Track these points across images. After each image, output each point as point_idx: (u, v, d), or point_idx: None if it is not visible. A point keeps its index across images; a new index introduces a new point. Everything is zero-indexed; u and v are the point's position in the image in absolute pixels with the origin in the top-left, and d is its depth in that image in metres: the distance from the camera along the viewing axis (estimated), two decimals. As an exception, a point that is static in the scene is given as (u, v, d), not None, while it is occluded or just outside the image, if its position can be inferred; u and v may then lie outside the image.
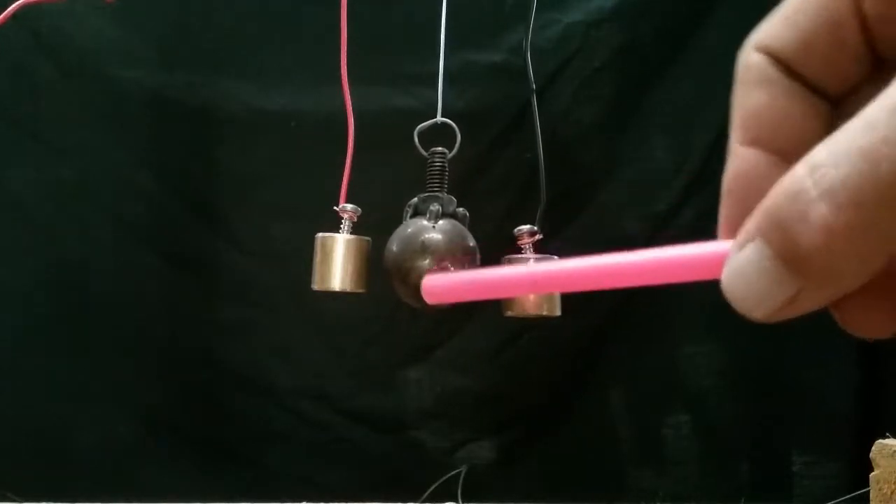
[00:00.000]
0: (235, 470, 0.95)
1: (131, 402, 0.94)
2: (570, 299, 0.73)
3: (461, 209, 0.71)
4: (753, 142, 0.20)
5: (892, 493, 0.57)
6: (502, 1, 0.95)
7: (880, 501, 0.58)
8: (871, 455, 0.59)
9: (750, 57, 0.20)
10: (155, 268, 0.94)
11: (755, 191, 0.20)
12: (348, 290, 0.69)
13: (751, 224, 0.17)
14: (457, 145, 0.72)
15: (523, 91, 0.85)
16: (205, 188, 0.96)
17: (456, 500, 0.90)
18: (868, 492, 0.60)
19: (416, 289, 0.66)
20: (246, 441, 0.96)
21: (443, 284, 0.23)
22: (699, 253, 0.19)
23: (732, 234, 0.20)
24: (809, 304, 0.17)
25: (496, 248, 0.72)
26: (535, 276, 0.21)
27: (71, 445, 0.93)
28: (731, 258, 0.18)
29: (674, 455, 0.96)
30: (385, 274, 0.68)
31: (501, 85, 0.93)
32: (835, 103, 0.20)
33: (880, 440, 0.60)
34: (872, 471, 0.59)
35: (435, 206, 0.68)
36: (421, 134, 0.72)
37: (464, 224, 0.70)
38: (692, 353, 0.97)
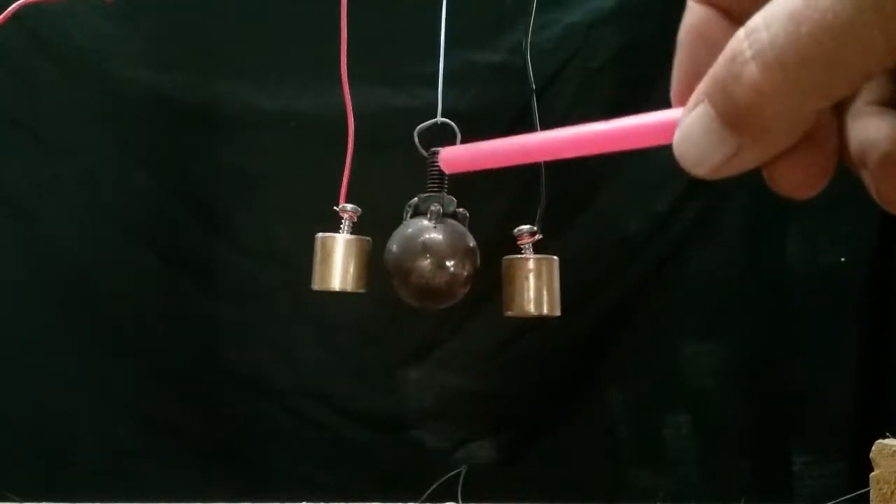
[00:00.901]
0: (235, 470, 0.95)
1: (131, 402, 0.94)
2: (570, 299, 0.72)
3: (461, 209, 0.71)
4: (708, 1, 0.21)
5: (892, 493, 0.57)
6: (502, 1, 0.95)
7: (880, 501, 0.58)
8: (871, 455, 0.59)
9: None
10: (155, 268, 0.94)
11: (703, 44, 0.21)
12: (348, 290, 0.69)
13: (700, 87, 0.18)
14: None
15: (523, 91, 0.86)
16: (205, 188, 0.96)
17: (456, 500, 0.90)
18: (868, 492, 0.60)
19: (417, 289, 0.67)
20: (246, 441, 0.96)
21: (460, 153, 0.26)
22: (660, 119, 0.21)
23: (685, 90, 0.21)
24: (748, 161, 0.18)
25: (496, 249, 0.72)
26: (534, 143, 0.25)
27: (71, 445, 0.93)
28: (682, 120, 0.19)
29: (674, 455, 0.96)
30: (385, 274, 0.68)
31: (501, 85, 0.93)
32: None
33: (880, 440, 0.60)
34: (872, 471, 0.59)
35: (435, 207, 0.68)
36: (421, 134, 0.72)
37: (464, 224, 0.70)
38: (692, 353, 0.97)
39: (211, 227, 0.96)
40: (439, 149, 0.71)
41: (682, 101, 0.21)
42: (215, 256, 0.96)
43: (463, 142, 0.72)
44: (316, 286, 0.69)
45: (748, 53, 0.17)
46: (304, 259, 0.70)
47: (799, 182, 0.19)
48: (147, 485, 0.91)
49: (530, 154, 0.25)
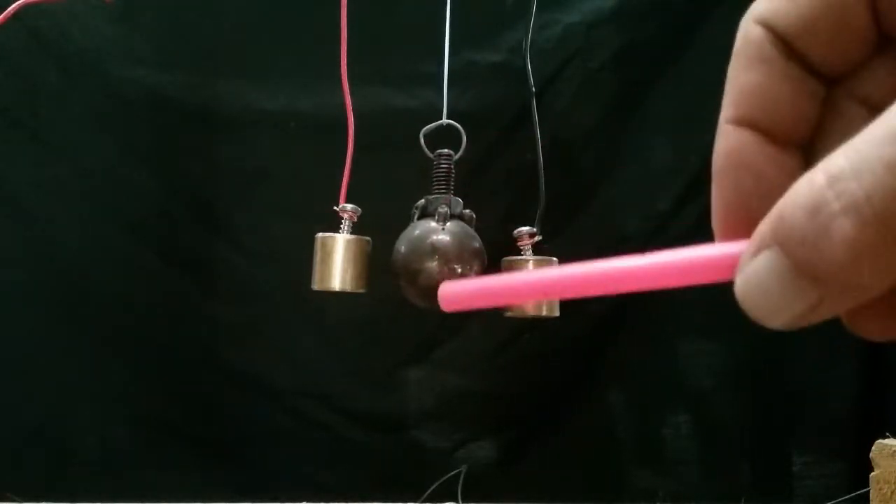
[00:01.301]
0: (235, 470, 0.95)
1: (131, 401, 0.94)
2: (569, 300, 0.73)
3: (468, 211, 0.71)
4: (743, 121, 0.20)
5: (892, 493, 0.57)
6: (502, 1, 0.95)
7: (880, 501, 0.58)
8: (871, 455, 0.59)
9: (750, 30, 0.19)
10: (155, 268, 0.94)
11: (746, 171, 0.19)
12: (348, 290, 0.69)
13: (766, 229, 0.17)
14: (462, 147, 0.72)
15: (523, 91, 0.85)
16: (205, 188, 0.96)
17: (456, 500, 0.90)
18: (868, 492, 0.60)
19: (425, 290, 0.67)
20: (246, 441, 0.96)
21: (461, 291, 0.23)
22: (710, 255, 0.19)
23: (728, 219, 0.20)
24: (828, 313, 0.17)
25: (496, 249, 0.72)
26: (550, 281, 0.21)
27: (71, 445, 0.93)
28: (745, 265, 0.17)
29: (674, 455, 0.96)
30: (393, 275, 0.68)
31: (502, 85, 0.93)
32: (832, 82, 0.20)
33: (880, 440, 0.60)
34: (872, 471, 0.59)
35: (444, 208, 0.68)
36: (426, 136, 0.72)
37: (470, 225, 0.70)
38: (692, 353, 0.97)
39: (211, 227, 0.96)
40: (445, 150, 0.71)
41: (728, 234, 0.20)
42: (215, 256, 0.96)
43: (467, 143, 0.72)
44: (316, 286, 0.69)
45: (836, 206, 0.15)
46: (304, 259, 0.70)
47: (884, 327, 0.18)
48: (147, 485, 0.91)
49: (548, 293, 0.23)
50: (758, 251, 0.17)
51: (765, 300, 0.17)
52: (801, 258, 0.16)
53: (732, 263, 0.18)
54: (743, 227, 0.18)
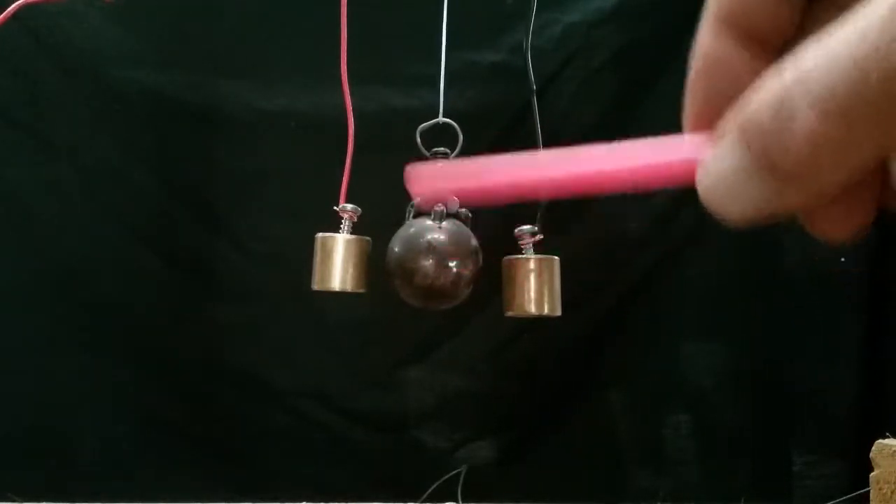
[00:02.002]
0: (235, 470, 0.95)
1: (131, 401, 0.94)
2: (569, 299, 0.73)
3: (463, 210, 0.71)
4: (724, 24, 0.20)
5: (892, 493, 0.57)
6: (502, 1, 0.95)
7: (880, 501, 0.58)
8: (871, 455, 0.59)
9: None
10: (155, 268, 0.94)
11: (721, 72, 0.19)
12: (348, 289, 0.69)
13: (731, 125, 0.17)
14: (459, 146, 0.72)
15: (523, 91, 0.85)
16: (205, 188, 0.96)
17: (456, 500, 0.90)
18: (868, 492, 0.60)
19: (421, 289, 0.67)
20: (246, 441, 0.96)
21: (431, 171, 0.22)
22: (672, 154, 0.19)
23: (700, 120, 0.20)
24: (785, 206, 0.17)
25: (497, 249, 0.72)
26: (521, 168, 0.21)
27: (71, 445, 0.93)
28: (709, 160, 0.17)
29: (674, 455, 0.96)
30: (388, 274, 0.68)
31: (502, 85, 0.93)
32: None
33: (880, 440, 0.60)
34: (872, 471, 0.59)
35: (440, 207, 0.68)
36: (423, 134, 0.72)
37: (466, 225, 0.70)
38: (692, 353, 0.97)
39: (211, 227, 0.96)
40: (441, 149, 0.72)
41: (698, 131, 0.20)
42: (215, 256, 0.96)
43: (463, 142, 0.72)
44: (316, 286, 0.69)
45: (801, 100, 0.15)
46: (304, 259, 0.70)
47: (840, 227, 0.18)
48: (147, 485, 0.91)
49: (517, 184, 0.21)
50: (722, 143, 0.17)
51: (726, 193, 0.17)
52: (763, 150, 0.16)
53: (698, 159, 0.18)
54: (713, 129, 0.18)
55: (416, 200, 0.67)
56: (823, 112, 0.15)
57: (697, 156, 0.18)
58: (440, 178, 0.22)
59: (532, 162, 0.21)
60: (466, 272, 0.67)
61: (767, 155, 0.16)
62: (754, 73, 0.19)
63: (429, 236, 0.67)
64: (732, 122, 0.17)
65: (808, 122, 0.15)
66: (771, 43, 0.19)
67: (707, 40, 0.20)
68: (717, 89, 0.19)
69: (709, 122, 0.19)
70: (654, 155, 0.19)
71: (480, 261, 0.69)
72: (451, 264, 0.66)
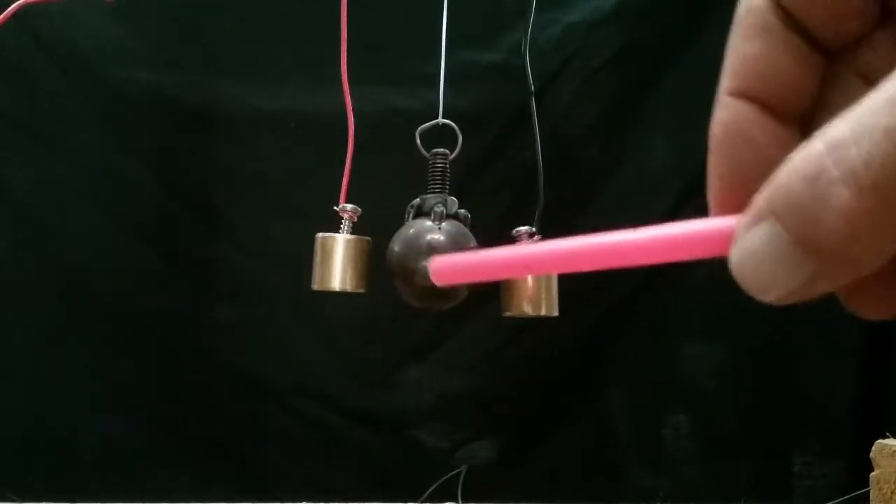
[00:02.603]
0: (235, 470, 0.95)
1: (131, 401, 0.94)
2: (569, 298, 0.73)
3: (462, 210, 0.71)
4: (742, 92, 0.19)
5: (892, 493, 0.57)
6: (502, 1, 0.95)
7: (880, 501, 0.58)
8: (871, 455, 0.59)
9: (753, 0, 0.19)
10: (155, 267, 0.94)
11: (743, 143, 0.19)
12: (348, 289, 0.69)
13: (762, 202, 0.16)
14: (458, 146, 0.72)
15: (523, 91, 0.85)
16: (205, 188, 0.96)
17: (456, 500, 0.90)
18: (868, 492, 0.60)
19: (420, 289, 0.67)
20: (246, 441, 0.96)
21: (453, 263, 0.22)
22: (705, 229, 0.18)
23: (724, 193, 0.19)
24: (824, 287, 0.16)
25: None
26: (543, 255, 0.21)
27: (71, 445, 0.93)
28: (740, 237, 0.17)
29: (674, 455, 0.96)
30: (388, 274, 0.68)
31: (501, 85, 0.93)
32: (833, 56, 0.19)
33: (880, 440, 0.60)
34: (872, 471, 0.59)
35: (439, 208, 0.68)
36: (422, 135, 0.72)
37: (465, 225, 0.70)
38: (692, 353, 0.97)
39: (211, 227, 0.96)
40: (441, 150, 0.72)
41: (724, 208, 0.19)
42: (215, 256, 0.96)
43: (462, 142, 0.72)
44: (316, 286, 0.69)
45: (835, 174, 0.14)
46: (304, 259, 0.70)
47: (881, 305, 0.17)
48: (147, 485, 0.91)
49: (541, 267, 0.21)
50: (754, 222, 0.16)
51: (760, 273, 0.16)
52: (798, 228, 0.15)
53: (728, 237, 0.17)
54: (739, 201, 0.18)
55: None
56: (858, 187, 0.14)
57: (728, 231, 0.17)
58: (464, 271, 0.23)
59: (556, 252, 0.21)
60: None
61: (802, 233, 0.15)
62: (777, 141, 0.19)
63: (428, 237, 0.67)
64: (763, 197, 0.16)
65: (843, 198, 0.14)
66: (792, 110, 0.19)
67: (726, 109, 0.19)
68: (740, 159, 0.19)
69: (734, 193, 0.19)
70: (682, 230, 0.18)
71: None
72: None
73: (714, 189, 0.20)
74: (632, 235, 0.19)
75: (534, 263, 0.21)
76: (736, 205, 0.18)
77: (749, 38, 0.19)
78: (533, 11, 0.83)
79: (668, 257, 0.18)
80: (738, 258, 0.17)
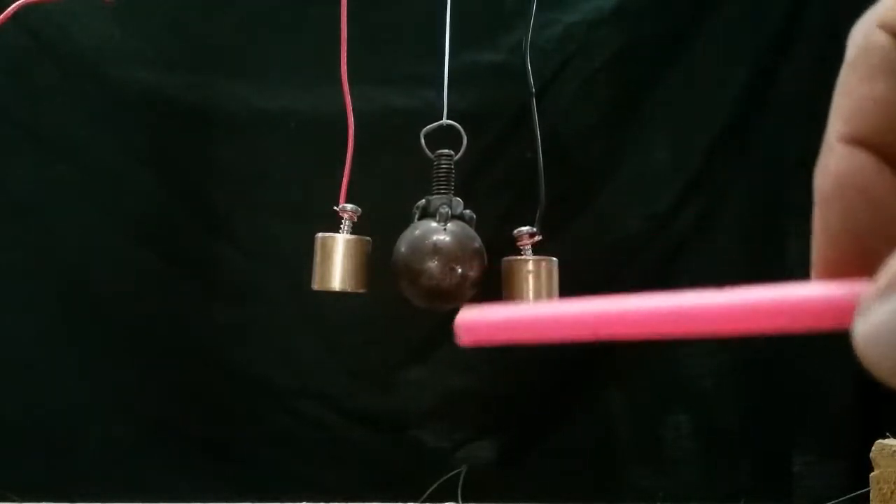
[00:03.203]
0: (235, 470, 0.95)
1: (131, 401, 0.94)
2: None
3: (468, 211, 0.71)
4: (860, 140, 0.17)
5: (892, 493, 0.57)
6: (502, 1, 0.95)
7: (880, 501, 0.58)
8: (871, 455, 0.59)
9: (873, 36, 0.17)
10: (155, 268, 0.94)
11: (860, 198, 0.17)
12: (348, 290, 0.69)
13: (893, 268, 0.14)
14: (463, 147, 0.72)
15: (523, 91, 0.85)
16: (205, 188, 0.96)
17: (456, 500, 0.90)
18: (868, 492, 0.60)
19: (427, 290, 0.67)
20: (246, 441, 0.96)
21: (483, 321, 0.18)
22: (817, 297, 0.15)
23: (835, 253, 0.17)
24: None
25: (496, 249, 0.72)
26: (599, 318, 0.17)
27: (71, 445, 0.93)
28: (869, 309, 0.14)
29: (674, 455, 0.96)
30: (394, 275, 0.68)
31: (502, 85, 0.93)
32: None
33: (880, 440, 0.60)
34: (872, 471, 0.59)
35: (445, 209, 0.68)
36: (427, 136, 0.72)
37: (471, 226, 0.70)
38: (692, 353, 0.97)
39: (211, 227, 0.96)
40: (446, 151, 0.72)
41: (833, 270, 0.17)
42: (215, 256, 0.96)
43: (468, 143, 0.72)
44: (316, 286, 0.69)
45: None
46: (304, 259, 0.70)
47: None
48: (147, 485, 0.91)
49: (635, 331, 0.17)
50: (886, 292, 0.14)
51: (889, 347, 0.14)
52: None
53: (848, 307, 0.15)
54: (852, 263, 0.16)
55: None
56: None
57: (849, 300, 0.15)
58: (493, 330, 0.18)
59: (630, 313, 0.17)
60: (471, 273, 0.67)
61: None
62: None
63: (434, 238, 0.67)
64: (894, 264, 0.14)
65: None
66: None
67: (840, 158, 0.17)
68: (856, 215, 0.17)
69: (846, 253, 0.17)
70: (788, 296, 0.15)
71: (485, 262, 0.69)
72: (456, 266, 0.66)
73: (822, 249, 0.17)
74: (723, 299, 0.16)
75: (601, 325, 0.17)
76: (847, 268, 0.16)
77: (868, 80, 0.17)
78: (533, 11, 0.83)
79: (769, 327, 0.15)
80: (867, 334, 0.14)
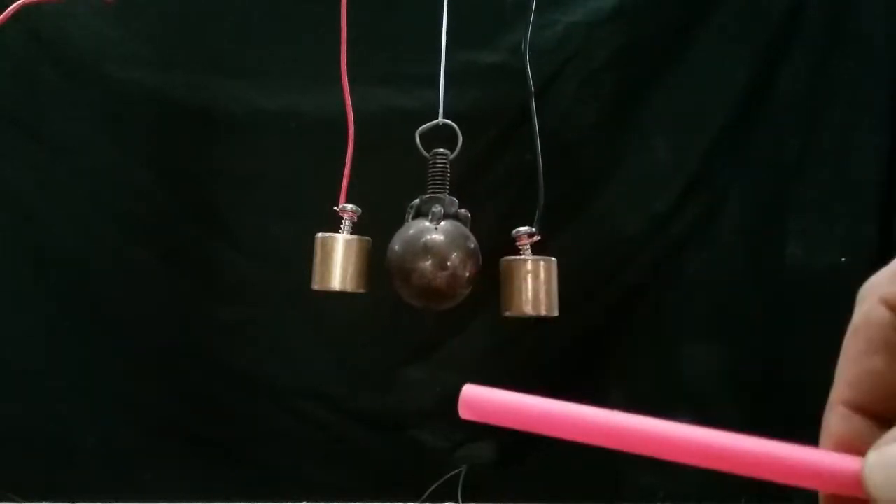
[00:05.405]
0: (235, 470, 0.95)
1: (131, 401, 0.94)
2: (569, 300, 0.73)
3: (462, 210, 0.71)
4: (861, 406, 0.19)
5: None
6: (502, 1, 0.95)
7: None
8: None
9: (873, 311, 0.18)
10: (155, 268, 0.94)
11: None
12: (348, 290, 0.69)
13: None
14: (458, 146, 0.72)
15: (523, 91, 0.85)
16: (205, 188, 0.96)
17: (456, 500, 0.90)
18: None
19: (419, 289, 0.67)
20: (246, 441, 0.96)
21: (485, 401, 0.19)
22: (822, 461, 0.16)
23: (859, 396, 0.18)
24: None
25: (495, 249, 0.72)
26: (607, 428, 0.18)
27: (71, 445, 0.93)
28: (888, 465, 0.16)
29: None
30: (387, 274, 0.68)
31: (501, 85, 0.93)
32: None
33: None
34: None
35: (437, 208, 0.68)
36: (422, 135, 0.72)
37: (465, 225, 0.70)
38: (692, 353, 0.97)
39: (211, 227, 0.96)
40: (441, 150, 0.72)
41: (856, 413, 0.18)
42: (215, 256, 0.96)
43: (462, 142, 0.72)
44: (316, 286, 0.69)
45: None
46: (304, 259, 0.70)
47: None
48: (147, 485, 0.91)
49: (606, 439, 0.17)
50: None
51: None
52: None
53: (854, 479, 0.15)
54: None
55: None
56: None
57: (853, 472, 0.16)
58: (493, 414, 0.19)
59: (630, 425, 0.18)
60: (464, 272, 0.67)
61: None
62: None
63: (426, 237, 0.67)
64: None
65: None
66: None
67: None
68: (888, 372, 0.18)
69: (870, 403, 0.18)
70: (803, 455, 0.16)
71: (479, 261, 0.69)
72: (449, 265, 0.66)
73: (846, 393, 0.19)
74: (746, 444, 0.17)
75: (609, 436, 0.18)
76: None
77: (869, 353, 0.19)
78: (533, 11, 0.83)
79: (776, 479, 0.16)
80: (886, 491, 0.16)
